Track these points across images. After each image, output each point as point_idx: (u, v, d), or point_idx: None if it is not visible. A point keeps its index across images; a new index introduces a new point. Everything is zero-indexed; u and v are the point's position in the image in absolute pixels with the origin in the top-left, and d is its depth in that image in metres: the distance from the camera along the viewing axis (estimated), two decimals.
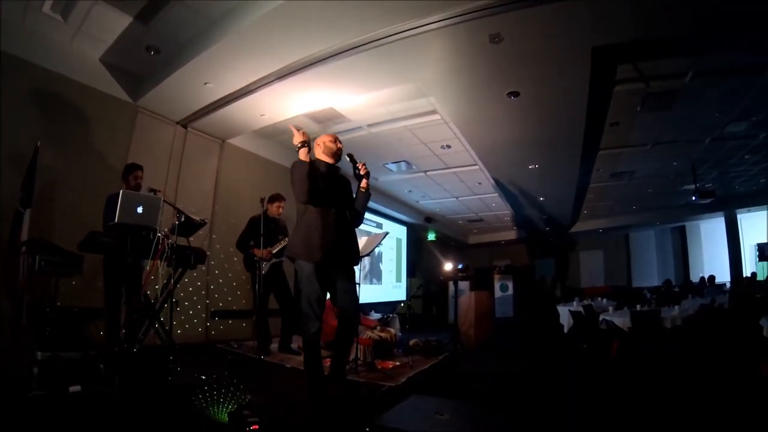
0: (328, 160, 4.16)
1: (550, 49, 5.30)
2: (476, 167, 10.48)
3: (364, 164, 4.16)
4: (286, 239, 6.48)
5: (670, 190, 12.90)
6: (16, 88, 5.70)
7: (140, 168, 5.74)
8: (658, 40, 5.40)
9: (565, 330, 10.23)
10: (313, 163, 3.97)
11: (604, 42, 5.18)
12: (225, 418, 3.42)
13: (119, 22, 5.82)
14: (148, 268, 4.99)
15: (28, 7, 5.55)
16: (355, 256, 4.14)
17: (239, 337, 7.68)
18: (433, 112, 7.79)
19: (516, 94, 6.34)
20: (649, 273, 18.28)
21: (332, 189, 4.00)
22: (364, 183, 4.14)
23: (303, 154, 3.79)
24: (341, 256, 3.93)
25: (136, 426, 3.43)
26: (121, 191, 4.60)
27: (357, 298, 4.08)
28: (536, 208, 13.85)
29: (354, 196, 4.24)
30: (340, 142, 4.25)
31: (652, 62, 6.17)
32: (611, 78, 6.43)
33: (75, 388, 3.87)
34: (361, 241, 6.51)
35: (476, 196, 13.62)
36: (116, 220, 4.47)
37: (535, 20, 4.73)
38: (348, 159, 4.20)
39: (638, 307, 8.59)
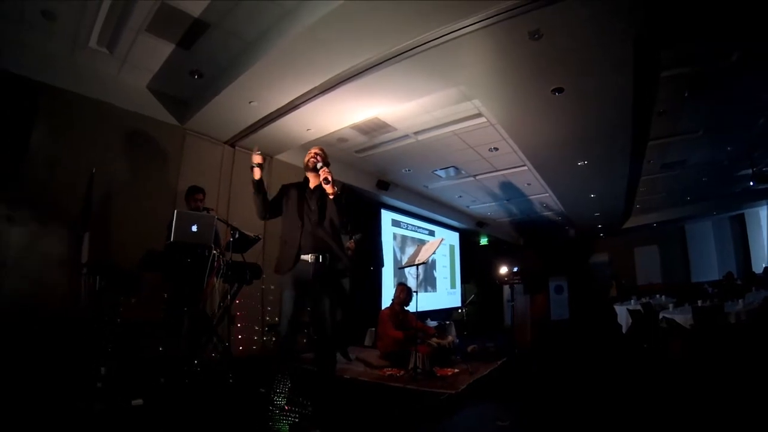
0: (309, 175, 4.21)
1: (590, 40, 5.17)
2: (525, 168, 10.36)
3: (324, 169, 3.90)
4: (348, 247, 6.55)
5: (725, 177, 12.37)
6: (70, 120, 5.99)
7: (201, 191, 5.92)
8: (699, 21, 5.24)
9: (624, 330, 9.99)
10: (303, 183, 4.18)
11: (645, 28, 5.04)
12: (286, 429, 3.44)
13: (162, 50, 6.02)
14: (206, 284, 5.08)
15: (76, 43, 5.82)
16: (331, 271, 3.96)
17: (296, 349, 7.74)
18: (479, 115, 7.71)
19: (560, 90, 6.21)
20: (709, 266, 17.53)
21: (305, 202, 4.04)
22: (328, 188, 3.87)
23: (255, 175, 3.92)
24: (311, 273, 3.86)
25: None
26: (175, 211, 4.72)
27: (331, 311, 3.88)
28: (588, 205, 13.59)
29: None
30: (314, 151, 4.19)
31: (695, 45, 5.94)
32: (656, 64, 6.24)
33: (137, 402, 3.99)
34: (418, 250, 6.52)
35: (526, 198, 13.45)
36: (172, 239, 4.58)
37: (573, 12, 4.63)
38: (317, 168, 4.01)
39: (699, 302, 8.32)
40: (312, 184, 4.14)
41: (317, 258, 3.86)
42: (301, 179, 4.24)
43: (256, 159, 3.95)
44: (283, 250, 3.96)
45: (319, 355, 3.96)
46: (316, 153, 4.16)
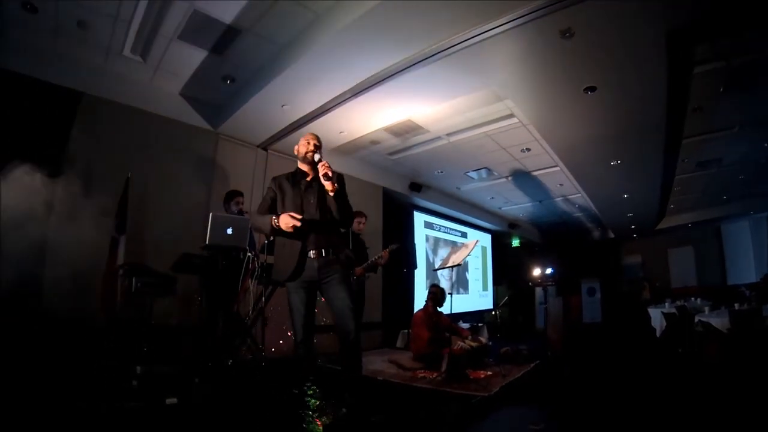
0: (304, 166, 3.90)
1: (622, 38, 5.11)
2: (557, 168, 10.27)
3: (325, 163, 3.58)
4: (381, 256, 6.55)
5: (763, 175, 11.96)
6: (106, 126, 6.16)
7: (241, 194, 5.98)
8: (732, 14, 5.11)
9: (658, 334, 9.81)
10: (296, 175, 3.89)
11: (679, 23, 4.97)
12: (320, 430, 3.45)
13: (195, 56, 6.15)
14: (241, 286, 5.13)
15: (110, 52, 5.99)
16: (337, 262, 3.73)
17: (328, 351, 7.77)
18: (511, 115, 7.67)
19: (592, 89, 6.15)
20: (746, 268, 16.85)
21: (303, 200, 3.75)
22: (328, 186, 3.58)
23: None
24: (317, 268, 3.65)
25: None
26: (210, 214, 4.79)
27: (348, 302, 3.64)
28: (621, 206, 13.40)
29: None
30: (315, 141, 3.85)
31: (729, 38, 5.79)
32: (689, 59, 6.12)
33: (171, 400, 4.05)
34: (452, 252, 6.49)
35: (558, 198, 13.35)
36: (207, 242, 4.65)
37: (605, 10, 4.60)
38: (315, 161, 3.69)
39: (737, 306, 8.13)
40: (308, 176, 3.86)
41: (320, 254, 3.65)
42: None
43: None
44: (285, 253, 3.70)
45: (344, 354, 3.72)
46: (315, 144, 3.82)
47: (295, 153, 3.93)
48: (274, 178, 3.92)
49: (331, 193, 3.63)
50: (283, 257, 3.71)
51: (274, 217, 3.55)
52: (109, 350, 4.92)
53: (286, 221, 3.45)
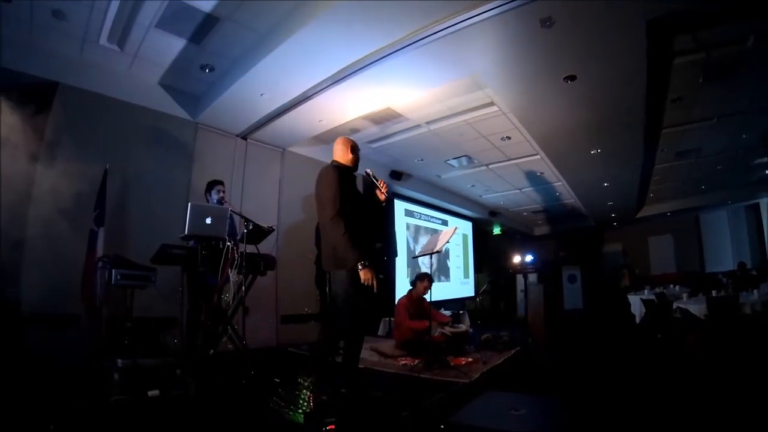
0: (349, 163, 4.32)
1: (603, 27, 5.12)
2: (537, 157, 10.30)
3: (383, 181, 4.30)
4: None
5: (741, 166, 12.20)
6: (81, 117, 6.05)
7: (221, 182, 5.92)
8: (713, 5, 5.15)
9: (637, 320, 9.94)
10: (348, 173, 4.20)
11: (659, 13, 4.96)
12: (300, 419, 3.46)
13: (173, 45, 6.06)
14: (221, 276, 5.10)
15: (86, 41, 5.88)
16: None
17: (309, 340, 7.77)
18: (491, 104, 7.68)
19: (572, 78, 6.17)
20: (723, 256, 17.28)
21: (359, 201, 4.13)
22: (383, 197, 4.28)
23: None
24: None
25: (212, 428, 3.53)
26: (189, 204, 4.75)
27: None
28: (601, 194, 13.51)
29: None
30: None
31: (709, 29, 5.82)
32: (669, 50, 6.17)
33: (153, 393, 4.04)
34: (431, 238, 6.50)
35: (539, 187, 13.39)
36: (186, 232, 4.61)
37: None
38: (367, 175, 4.33)
39: (714, 293, 8.25)
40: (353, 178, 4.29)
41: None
42: (317, 170, 4.21)
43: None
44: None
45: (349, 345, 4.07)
46: None
47: (355, 153, 4.34)
48: (336, 169, 4.12)
49: (383, 203, 4.29)
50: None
51: (364, 265, 3.90)
52: (90, 344, 4.89)
53: (368, 277, 3.95)
